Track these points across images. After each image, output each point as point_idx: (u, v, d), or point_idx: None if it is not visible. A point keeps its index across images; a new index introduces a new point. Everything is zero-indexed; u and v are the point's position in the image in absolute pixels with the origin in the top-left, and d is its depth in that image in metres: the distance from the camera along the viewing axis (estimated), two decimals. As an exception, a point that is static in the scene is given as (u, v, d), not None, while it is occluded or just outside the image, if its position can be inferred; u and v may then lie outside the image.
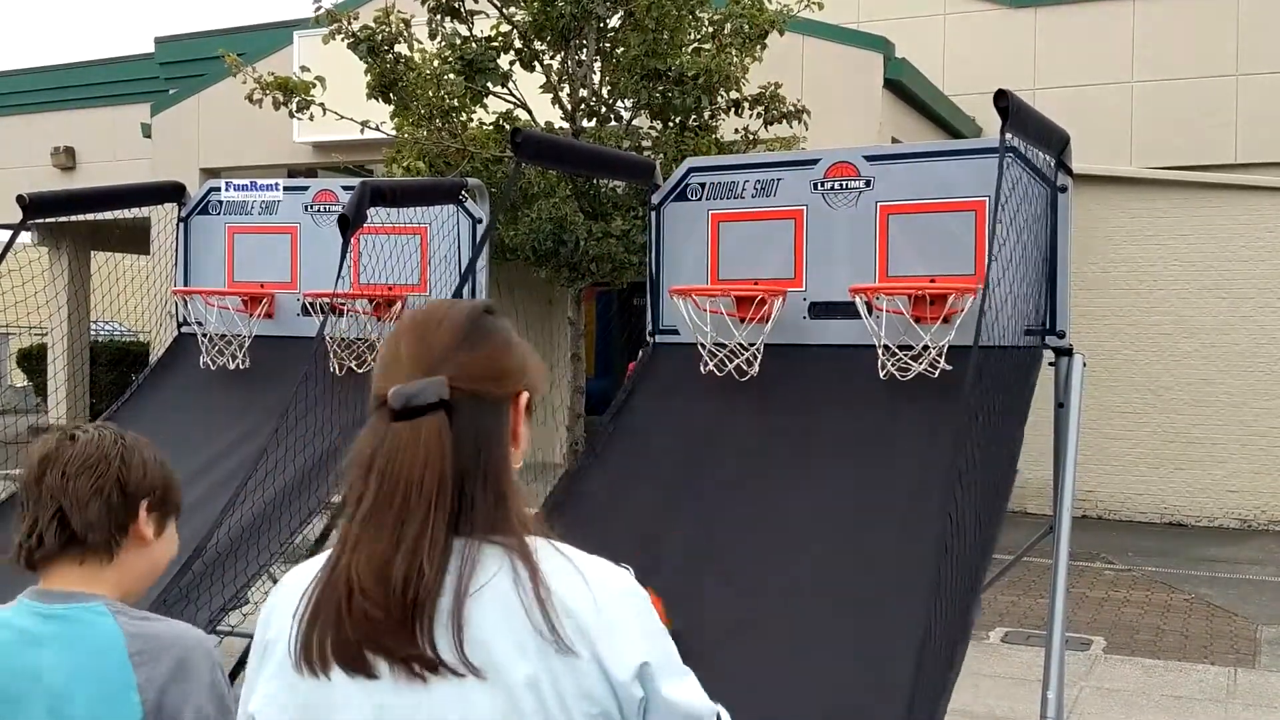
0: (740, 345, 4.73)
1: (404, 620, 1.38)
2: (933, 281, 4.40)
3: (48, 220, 5.78)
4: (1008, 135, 3.59)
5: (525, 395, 1.54)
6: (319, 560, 1.53)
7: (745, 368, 4.72)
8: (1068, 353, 4.31)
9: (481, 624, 1.40)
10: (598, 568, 1.49)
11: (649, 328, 5.15)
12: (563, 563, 1.46)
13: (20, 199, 5.13)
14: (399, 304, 5.69)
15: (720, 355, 4.77)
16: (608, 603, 1.45)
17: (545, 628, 1.40)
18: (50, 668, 1.77)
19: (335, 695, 1.43)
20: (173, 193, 6.05)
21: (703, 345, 4.81)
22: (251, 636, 1.82)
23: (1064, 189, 4.31)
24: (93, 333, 20.48)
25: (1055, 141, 4.17)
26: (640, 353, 5.18)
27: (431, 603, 1.39)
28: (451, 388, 1.44)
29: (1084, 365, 4.30)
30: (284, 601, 1.52)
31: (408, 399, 1.42)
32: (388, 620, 1.38)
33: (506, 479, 1.48)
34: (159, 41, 18.16)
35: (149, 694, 1.74)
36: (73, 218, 5.30)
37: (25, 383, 22.69)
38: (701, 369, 4.78)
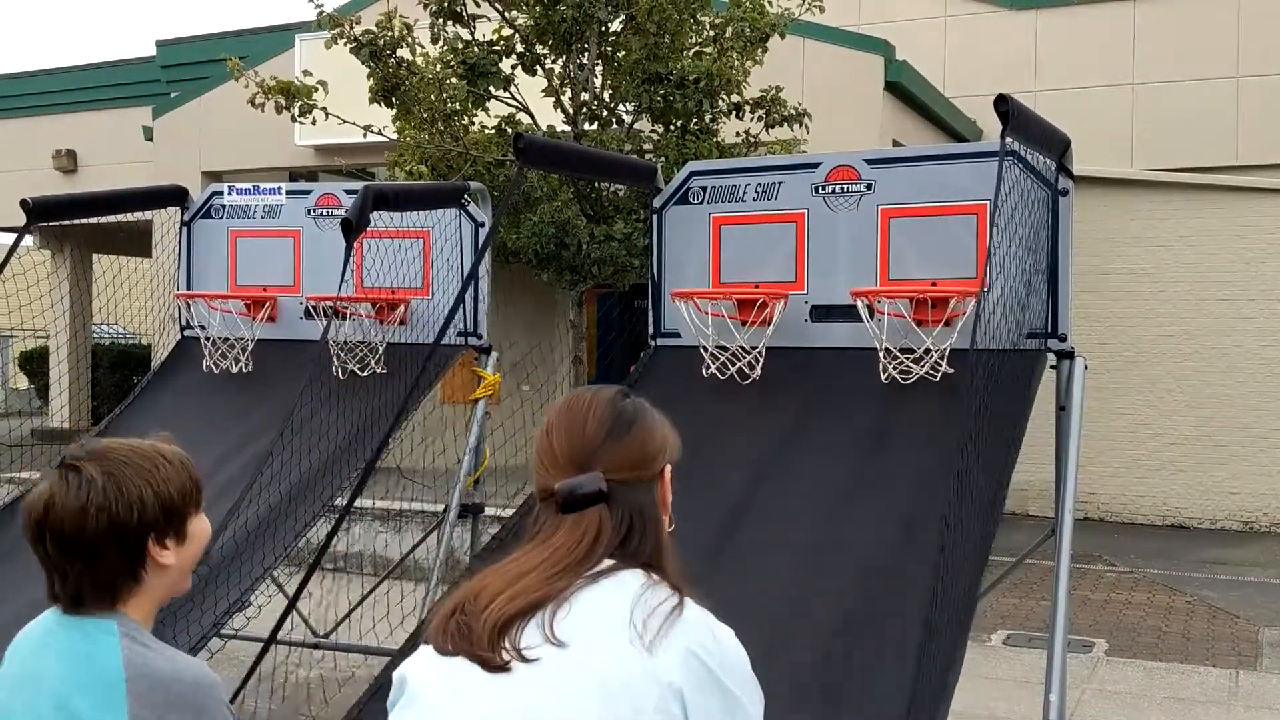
0: (742, 348, 4.75)
1: (490, 639, 1.56)
2: (934, 285, 4.41)
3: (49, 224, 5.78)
4: (1008, 139, 3.60)
5: (669, 469, 1.72)
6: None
7: (747, 370, 4.73)
8: (1069, 356, 4.32)
9: (581, 611, 1.56)
10: (732, 643, 1.62)
11: (650, 330, 5.16)
12: (703, 616, 1.61)
13: (24, 203, 5.14)
14: (402, 307, 5.70)
15: (722, 358, 4.78)
16: (724, 664, 1.58)
17: (643, 628, 1.54)
18: (53, 674, 1.81)
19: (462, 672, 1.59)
20: (175, 196, 6.06)
21: (704, 348, 4.82)
22: (255, 640, 1.86)
23: (1065, 192, 4.32)
24: (95, 335, 20.49)
25: (1056, 145, 4.18)
26: (642, 355, 5.19)
27: (519, 625, 1.57)
28: (607, 480, 1.62)
29: (1085, 368, 4.31)
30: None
31: (571, 493, 1.62)
32: (475, 634, 1.57)
33: (662, 540, 1.68)
34: (160, 44, 18.17)
35: None
36: (76, 222, 5.30)
37: (27, 385, 22.70)
38: (703, 372, 4.79)
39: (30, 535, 1.84)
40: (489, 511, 6.05)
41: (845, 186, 4.69)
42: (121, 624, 1.84)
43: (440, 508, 6.66)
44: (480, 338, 5.60)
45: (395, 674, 1.68)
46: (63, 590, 1.84)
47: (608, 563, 1.60)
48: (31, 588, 1.90)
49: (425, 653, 1.65)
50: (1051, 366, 4.34)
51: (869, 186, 4.64)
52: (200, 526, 1.94)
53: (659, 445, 1.70)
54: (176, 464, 1.91)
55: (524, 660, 1.53)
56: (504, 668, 1.53)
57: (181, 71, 17.42)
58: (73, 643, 1.82)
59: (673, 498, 1.77)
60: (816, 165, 4.79)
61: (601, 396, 1.72)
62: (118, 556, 1.83)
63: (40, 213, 5.20)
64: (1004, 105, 3.50)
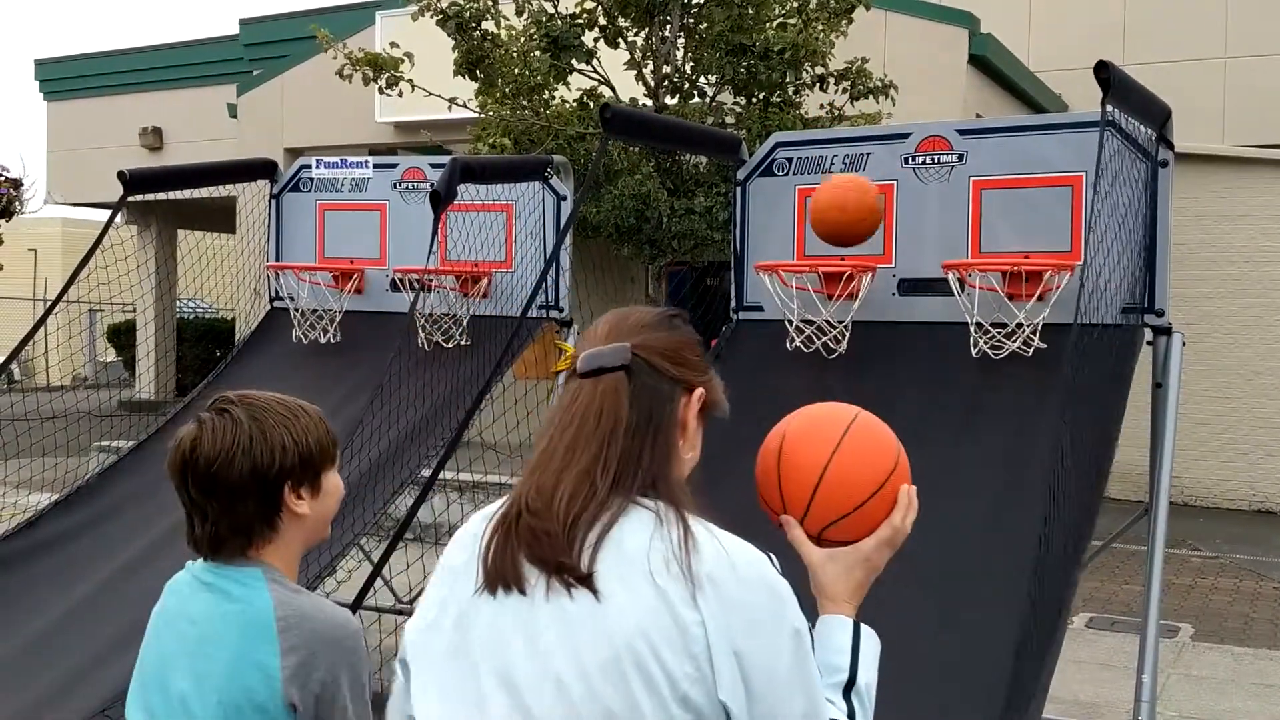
0: (828, 322, 4.70)
1: (563, 533, 1.50)
2: (1027, 258, 4.33)
3: (141, 198, 5.88)
4: (1108, 108, 3.51)
5: (700, 393, 1.65)
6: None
7: (833, 345, 4.68)
8: (1166, 332, 4.22)
9: (608, 571, 1.49)
10: (742, 550, 1.53)
11: (733, 304, 5.12)
12: (707, 537, 1.52)
13: (121, 175, 5.25)
14: (485, 280, 5.73)
15: (808, 332, 4.74)
16: (741, 580, 1.49)
17: (684, 575, 1.46)
18: (205, 617, 1.87)
19: (489, 607, 1.54)
20: (265, 170, 6.15)
21: (789, 321, 4.78)
22: (342, 605, 1.91)
23: (1165, 164, 4.21)
24: (179, 310, 20.91)
25: (1156, 115, 4.07)
26: (723, 329, 5.16)
27: (589, 521, 1.51)
28: (633, 353, 1.59)
29: (1183, 344, 4.21)
30: (464, 532, 1.65)
31: (594, 360, 1.60)
32: (549, 533, 1.51)
33: (673, 448, 1.60)
34: (243, 23, 18.43)
35: (289, 663, 1.80)
36: (168, 195, 5.40)
37: (115, 358, 23.25)
38: (788, 345, 4.76)
39: (174, 474, 1.89)
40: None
41: (936, 157, 4.62)
42: (267, 572, 1.89)
43: (516, 480, 6.69)
44: (562, 310, 5.62)
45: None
46: (203, 535, 1.89)
47: (617, 499, 1.53)
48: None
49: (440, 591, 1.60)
50: (1148, 342, 4.25)
51: (961, 158, 4.57)
52: (334, 482, 1.98)
53: (695, 360, 1.67)
54: (315, 418, 1.95)
55: (580, 588, 1.48)
56: (585, 579, 1.48)
57: (264, 50, 17.67)
58: (224, 589, 1.87)
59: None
60: (906, 136, 4.72)
61: (659, 310, 1.71)
62: (256, 501, 1.87)
63: (136, 184, 5.31)
64: (1105, 72, 3.41)
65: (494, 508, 1.64)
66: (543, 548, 1.51)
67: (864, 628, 1.69)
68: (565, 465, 1.55)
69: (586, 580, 1.48)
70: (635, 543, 1.50)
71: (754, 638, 1.46)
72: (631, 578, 1.47)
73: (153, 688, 1.89)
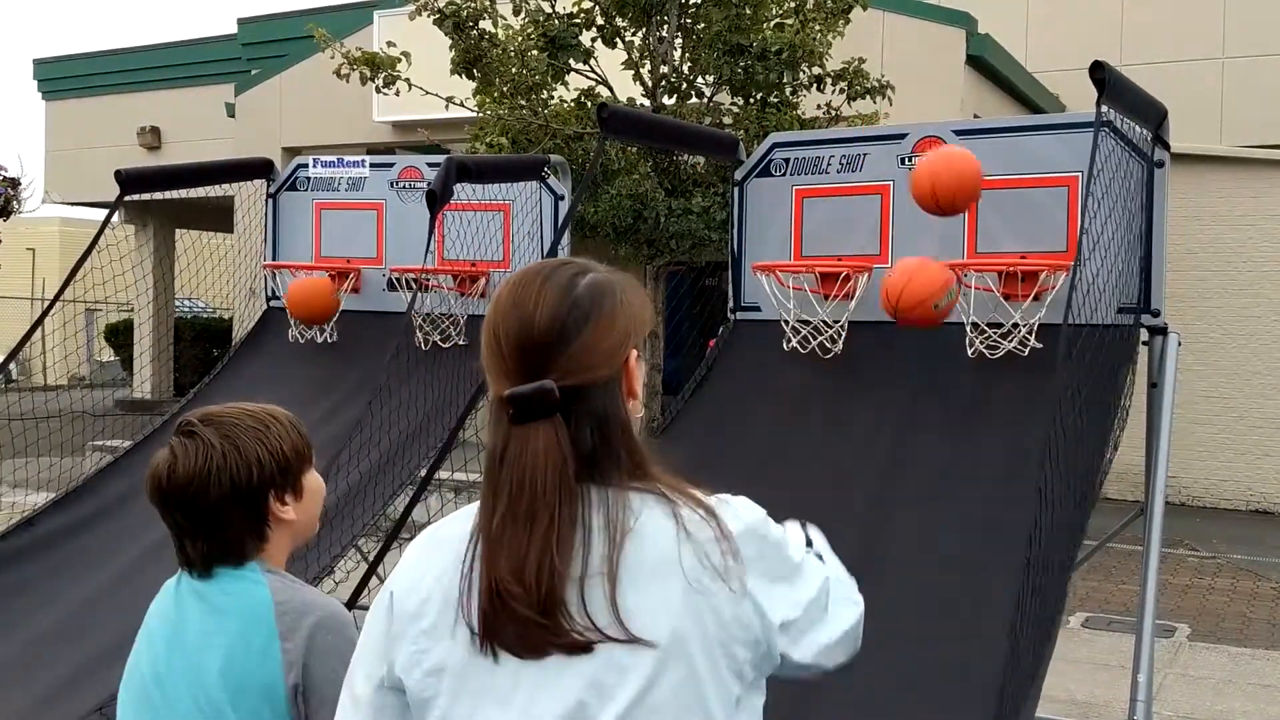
0: (824, 322, 4.71)
1: (549, 613, 1.42)
2: (1023, 258, 4.33)
3: (138, 197, 5.87)
4: (1103, 108, 3.52)
5: (633, 353, 1.53)
6: (458, 523, 1.55)
7: (829, 345, 4.69)
8: (1162, 332, 4.23)
9: (633, 582, 1.44)
10: (748, 514, 1.55)
11: (730, 304, 5.13)
12: (726, 506, 1.54)
13: (117, 174, 5.24)
14: (483, 280, 5.73)
15: (804, 332, 4.74)
16: (765, 535, 1.54)
17: (719, 567, 1.46)
18: (207, 607, 1.90)
19: (500, 675, 1.45)
20: (262, 169, 6.15)
21: (786, 322, 4.78)
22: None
23: (1161, 164, 4.22)
24: (177, 309, 20.91)
25: (1152, 115, 4.08)
26: (720, 330, 5.17)
27: (564, 588, 1.42)
28: (560, 389, 1.45)
29: (1179, 344, 4.22)
30: (429, 563, 1.53)
31: (521, 405, 1.45)
32: (535, 615, 1.42)
33: (632, 441, 1.51)
34: (241, 22, 18.43)
35: (290, 647, 1.84)
36: (165, 194, 5.40)
37: (113, 358, 23.25)
38: (784, 346, 4.76)
39: (155, 502, 1.92)
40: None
41: (933, 158, 4.61)
42: (262, 565, 1.93)
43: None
44: (560, 310, 5.61)
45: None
46: (195, 554, 1.92)
47: (605, 492, 1.46)
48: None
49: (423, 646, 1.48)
50: (1144, 342, 4.26)
51: (958, 158, 4.56)
52: (315, 482, 2.02)
53: (620, 336, 1.50)
54: (286, 424, 1.98)
55: (621, 635, 1.41)
56: (590, 646, 1.42)
57: (262, 49, 17.67)
58: (222, 583, 1.91)
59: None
60: (903, 136, 4.72)
61: (553, 283, 1.49)
62: (242, 516, 1.91)
63: (133, 184, 5.30)
64: (1100, 72, 3.41)
65: (448, 539, 1.53)
66: (534, 631, 1.42)
67: None
68: (528, 537, 1.43)
69: (601, 638, 1.43)
70: (647, 555, 1.45)
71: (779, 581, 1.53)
72: (651, 603, 1.44)
73: (150, 681, 1.91)
